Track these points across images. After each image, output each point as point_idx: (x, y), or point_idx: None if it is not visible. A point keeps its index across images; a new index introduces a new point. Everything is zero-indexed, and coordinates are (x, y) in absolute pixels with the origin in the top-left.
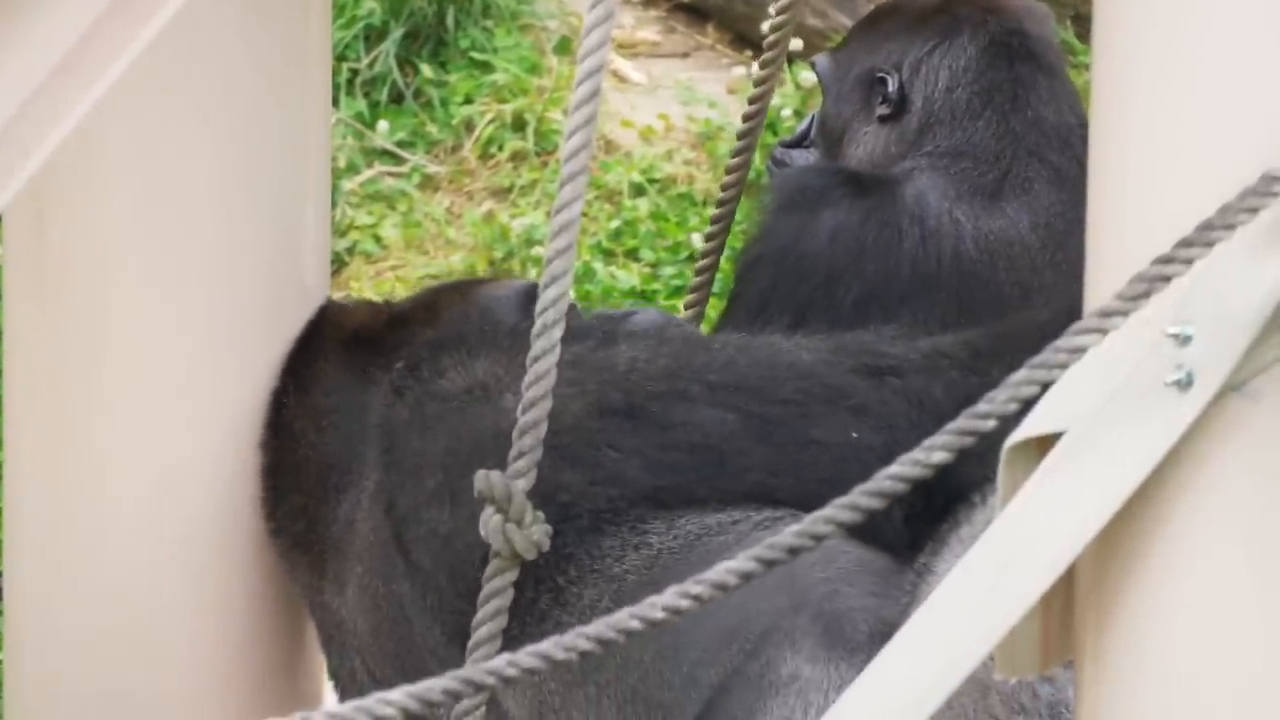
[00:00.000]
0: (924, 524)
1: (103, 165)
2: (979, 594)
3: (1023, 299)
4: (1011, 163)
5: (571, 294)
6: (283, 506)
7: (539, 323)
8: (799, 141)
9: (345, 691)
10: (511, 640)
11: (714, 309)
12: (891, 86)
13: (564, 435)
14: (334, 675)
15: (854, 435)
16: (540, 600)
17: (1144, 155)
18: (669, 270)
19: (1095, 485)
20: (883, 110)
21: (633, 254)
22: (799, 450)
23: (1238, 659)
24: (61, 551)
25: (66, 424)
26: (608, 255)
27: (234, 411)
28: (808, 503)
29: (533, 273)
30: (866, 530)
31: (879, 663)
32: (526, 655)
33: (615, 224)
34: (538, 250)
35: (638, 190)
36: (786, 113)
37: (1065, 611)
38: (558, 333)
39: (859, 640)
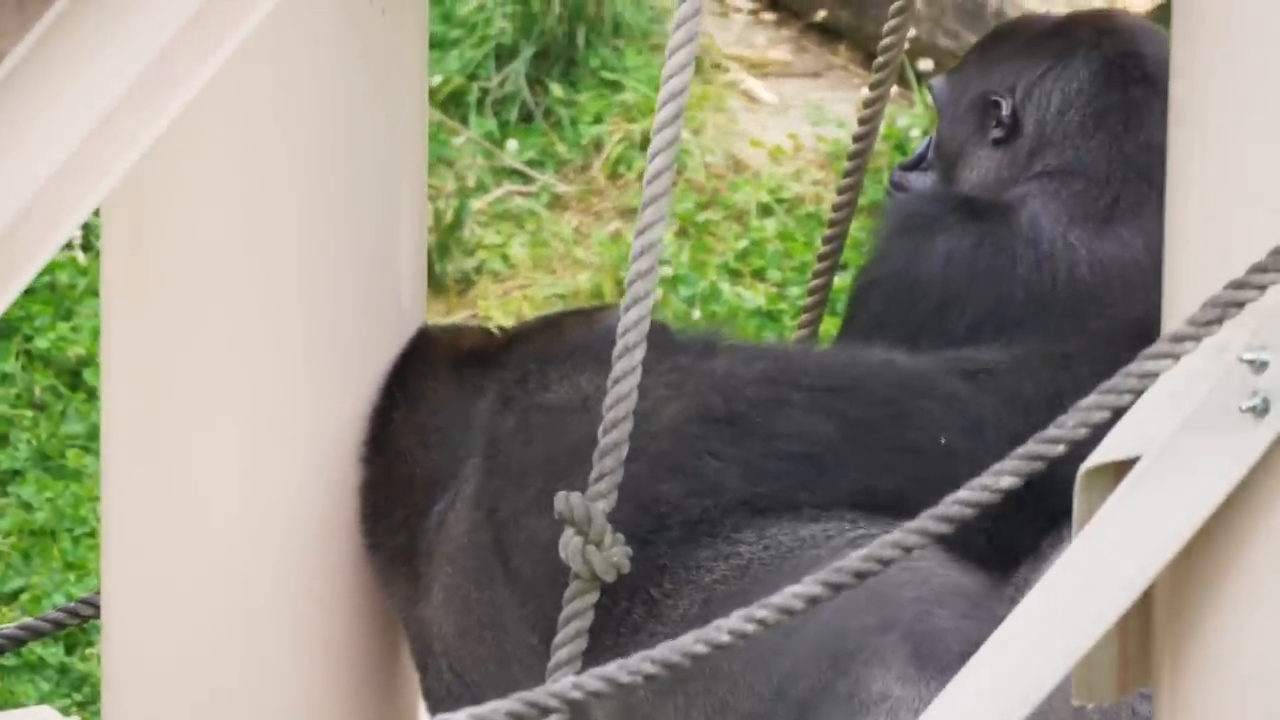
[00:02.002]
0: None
1: (199, 178)
2: (1056, 616)
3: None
4: (1123, 186)
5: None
6: (384, 522)
7: (620, 344)
8: (916, 164)
9: (437, 706)
10: (605, 651)
11: (832, 328)
12: (1005, 110)
13: (663, 440)
14: (427, 693)
15: (943, 440)
16: (634, 611)
17: (1220, 180)
18: (795, 290)
19: (1171, 510)
20: (996, 134)
21: (759, 274)
22: (894, 454)
23: None
24: (158, 563)
25: (163, 436)
26: (734, 275)
27: (331, 427)
28: (903, 503)
29: (658, 293)
30: (954, 542)
31: (958, 681)
32: (591, 679)
33: (742, 244)
34: (665, 270)
35: (765, 210)
36: (915, 133)
37: (1143, 637)
38: (639, 354)
39: (950, 660)
